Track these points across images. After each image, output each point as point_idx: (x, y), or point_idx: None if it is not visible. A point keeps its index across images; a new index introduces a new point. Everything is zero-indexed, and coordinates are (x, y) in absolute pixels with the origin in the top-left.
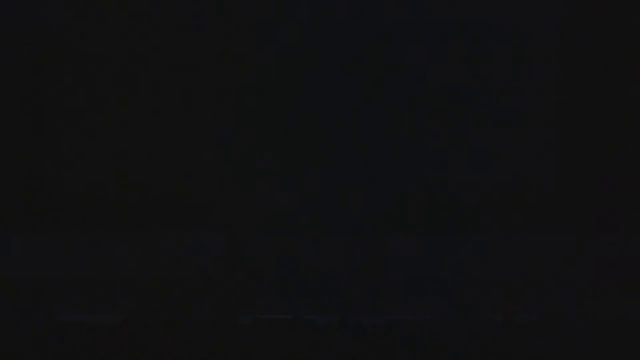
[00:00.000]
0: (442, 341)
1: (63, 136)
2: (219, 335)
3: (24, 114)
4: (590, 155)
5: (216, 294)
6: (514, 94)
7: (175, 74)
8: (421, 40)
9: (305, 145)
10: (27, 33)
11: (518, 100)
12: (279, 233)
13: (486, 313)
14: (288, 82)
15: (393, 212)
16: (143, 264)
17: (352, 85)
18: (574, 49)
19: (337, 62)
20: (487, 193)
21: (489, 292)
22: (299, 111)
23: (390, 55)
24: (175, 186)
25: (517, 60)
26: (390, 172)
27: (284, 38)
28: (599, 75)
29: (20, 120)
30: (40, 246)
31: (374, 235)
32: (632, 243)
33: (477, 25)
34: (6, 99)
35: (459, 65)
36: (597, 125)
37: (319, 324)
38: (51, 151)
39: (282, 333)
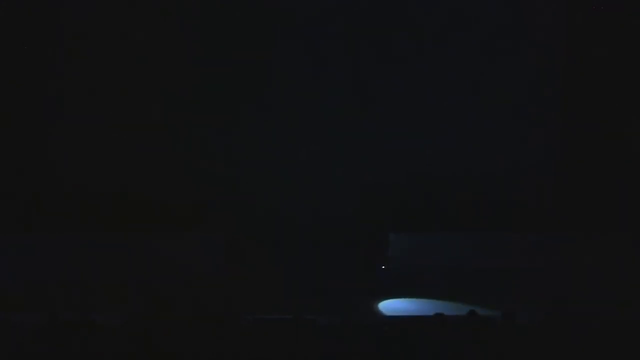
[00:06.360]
0: (442, 340)
1: (61, 135)
2: (219, 335)
3: (21, 113)
4: (591, 155)
5: (216, 294)
6: (515, 90)
7: (172, 72)
8: (420, 38)
9: (303, 144)
10: (26, 29)
11: (518, 98)
12: (279, 232)
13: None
14: (285, 80)
15: (392, 210)
16: (142, 265)
17: (347, 84)
18: (574, 47)
19: (332, 55)
20: (486, 191)
21: (487, 290)
22: (297, 109)
23: (389, 51)
24: (175, 186)
25: (516, 58)
26: (390, 170)
27: (279, 35)
28: (600, 75)
29: (17, 119)
30: (40, 246)
31: (373, 233)
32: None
33: (478, 22)
34: (5, 97)
35: (458, 63)
36: (598, 125)
37: (319, 324)
38: (49, 151)
39: (282, 333)
